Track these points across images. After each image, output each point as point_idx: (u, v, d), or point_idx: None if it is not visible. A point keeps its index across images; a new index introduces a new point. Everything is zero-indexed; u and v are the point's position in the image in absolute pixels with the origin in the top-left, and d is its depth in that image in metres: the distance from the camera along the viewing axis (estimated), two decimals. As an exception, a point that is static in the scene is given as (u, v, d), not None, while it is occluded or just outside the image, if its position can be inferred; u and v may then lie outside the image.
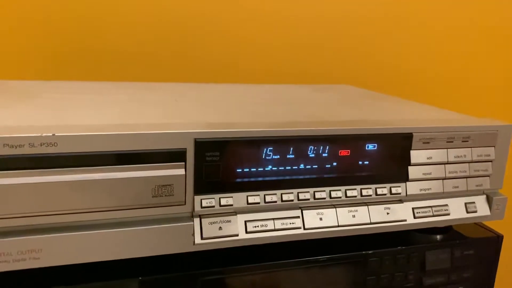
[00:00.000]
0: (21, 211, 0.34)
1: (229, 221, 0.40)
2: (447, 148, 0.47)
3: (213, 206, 0.40)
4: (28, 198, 0.34)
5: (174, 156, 0.38)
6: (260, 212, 0.41)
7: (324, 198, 0.43)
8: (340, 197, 0.44)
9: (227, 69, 0.81)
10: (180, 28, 0.77)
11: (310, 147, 0.42)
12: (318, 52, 0.85)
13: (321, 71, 0.86)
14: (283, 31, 0.82)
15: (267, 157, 0.41)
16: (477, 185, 0.49)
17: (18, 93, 0.54)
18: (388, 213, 0.45)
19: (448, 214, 0.48)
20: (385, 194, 0.45)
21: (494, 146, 0.48)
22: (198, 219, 0.40)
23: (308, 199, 0.43)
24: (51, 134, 0.34)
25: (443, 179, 0.47)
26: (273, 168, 0.41)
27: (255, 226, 0.41)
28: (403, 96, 0.70)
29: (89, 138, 0.35)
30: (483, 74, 0.95)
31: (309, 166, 0.43)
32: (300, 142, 0.42)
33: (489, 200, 0.49)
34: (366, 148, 0.44)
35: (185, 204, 0.39)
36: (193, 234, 0.39)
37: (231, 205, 0.40)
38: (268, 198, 0.41)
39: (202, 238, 0.39)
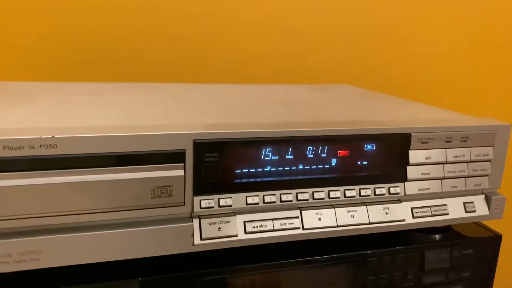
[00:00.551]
0: (21, 213, 0.34)
1: (228, 222, 0.40)
2: (445, 148, 0.47)
3: (212, 207, 0.40)
4: (28, 200, 0.34)
5: (173, 157, 0.38)
6: (259, 212, 0.42)
7: (323, 198, 0.43)
8: (339, 197, 0.44)
9: (226, 70, 0.81)
10: (179, 29, 0.77)
11: (309, 147, 0.42)
12: (317, 52, 0.85)
13: (320, 71, 0.86)
14: (282, 31, 0.82)
15: (266, 158, 0.41)
16: (475, 185, 0.49)
17: (18, 94, 0.54)
18: (387, 213, 0.45)
19: (447, 214, 0.48)
20: (383, 194, 0.45)
21: (492, 146, 0.48)
22: (197, 219, 0.40)
23: (307, 200, 0.43)
24: (50, 136, 0.34)
25: (441, 179, 0.47)
26: (272, 169, 0.42)
27: (254, 227, 0.41)
28: (401, 96, 0.70)
29: (89, 139, 0.35)
30: (483, 74, 0.95)
31: (308, 167, 0.43)
32: (298, 142, 0.42)
33: (487, 200, 0.50)
34: (365, 148, 0.44)
35: (184, 205, 0.39)
36: (193, 235, 0.39)
37: (230, 205, 0.40)
38: (267, 199, 0.41)
39: (201, 238, 0.39)
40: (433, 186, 0.47)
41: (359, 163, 0.44)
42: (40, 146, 0.34)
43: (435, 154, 0.47)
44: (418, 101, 0.65)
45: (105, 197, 0.36)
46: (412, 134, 0.45)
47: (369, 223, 0.45)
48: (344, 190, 0.44)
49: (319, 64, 0.86)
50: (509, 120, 0.50)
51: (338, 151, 0.43)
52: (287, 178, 0.42)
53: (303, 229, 0.42)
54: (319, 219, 0.43)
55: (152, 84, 0.70)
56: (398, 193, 0.46)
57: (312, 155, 0.43)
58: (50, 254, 0.36)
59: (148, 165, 0.37)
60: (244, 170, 0.41)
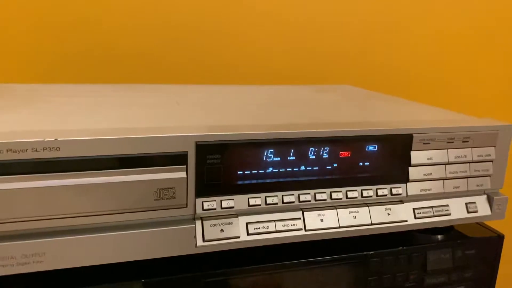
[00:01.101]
0: (24, 215, 0.35)
1: (231, 223, 0.40)
2: (447, 149, 0.47)
3: (215, 209, 0.40)
4: (31, 202, 0.34)
5: (176, 159, 0.38)
6: (261, 214, 0.42)
7: (325, 200, 0.43)
8: (340, 198, 0.44)
9: (228, 71, 0.81)
10: (181, 30, 0.78)
11: (311, 148, 0.42)
12: (319, 52, 0.85)
13: (322, 71, 0.86)
14: (284, 32, 0.83)
15: (268, 159, 0.41)
16: (477, 185, 0.49)
17: (21, 96, 0.54)
18: (389, 214, 0.45)
19: (449, 214, 0.48)
20: (385, 195, 0.45)
21: (494, 146, 0.48)
22: (200, 221, 0.40)
23: (309, 201, 0.43)
24: (53, 139, 0.34)
25: (443, 179, 0.47)
26: (274, 170, 0.42)
27: (257, 228, 0.41)
28: (403, 96, 0.70)
29: (91, 142, 0.35)
30: (483, 74, 0.95)
31: (310, 168, 0.43)
32: (300, 144, 0.42)
33: (490, 200, 0.50)
34: (367, 149, 0.44)
35: (186, 206, 0.39)
36: (195, 237, 0.39)
37: (233, 207, 0.40)
38: (269, 200, 0.42)
39: (204, 240, 0.40)
40: (435, 187, 0.47)
41: (361, 164, 0.44)
42: (43, 149, 0.34)
43: (437, 155, 0.47)
44: (420, 101, 0.65)
45: (108, 200, 0.36)
46: (413, 134, 0.45)
47: (371, 224, 0.45)
48: (346, 191, 0.44)
49: (320, 65, 0.86)
50: (510, 120, 0.50)
51: (340, 152, 0.43)
52: (289, 179, 0.42)
53: (305, 230, 0.42)
54: (321, 220, 0.43)
55: (154, 85, 0.70)
56: (400, 194, 0.46)
57: (314, 156, 0.43)
58: (53, 256, 0.36)
59: (150, 167, 0.37)
60: (246, 172, 0.41)
